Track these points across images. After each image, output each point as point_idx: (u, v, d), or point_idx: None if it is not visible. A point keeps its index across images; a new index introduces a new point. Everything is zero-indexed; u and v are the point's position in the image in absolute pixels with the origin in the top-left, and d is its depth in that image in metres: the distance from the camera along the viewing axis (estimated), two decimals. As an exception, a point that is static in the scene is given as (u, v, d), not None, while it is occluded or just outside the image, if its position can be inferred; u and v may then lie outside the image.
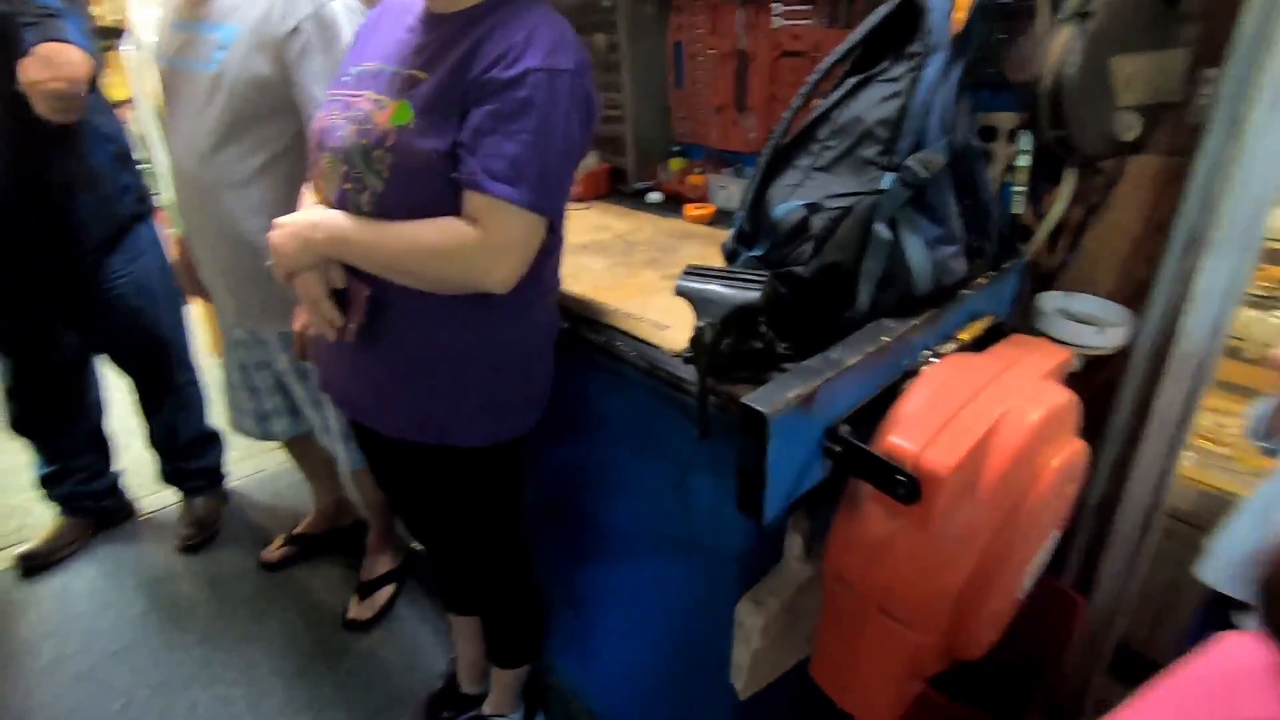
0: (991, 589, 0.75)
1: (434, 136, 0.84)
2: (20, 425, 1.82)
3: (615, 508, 1.18)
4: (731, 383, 0.81)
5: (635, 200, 1.65)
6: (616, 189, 1.72)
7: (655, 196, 1.63)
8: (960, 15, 0.85)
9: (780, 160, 0.93)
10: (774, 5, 1.36)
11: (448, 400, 0.96)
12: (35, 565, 1.91)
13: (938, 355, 0.85)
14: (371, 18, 1.01)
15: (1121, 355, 1.06)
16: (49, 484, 1.92)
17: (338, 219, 0.89)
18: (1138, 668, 1.36)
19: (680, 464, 0.99)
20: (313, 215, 0.91)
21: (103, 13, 2.80)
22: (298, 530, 1.94)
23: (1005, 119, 1.07)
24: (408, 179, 0.86)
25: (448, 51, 0.86)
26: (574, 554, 1.32)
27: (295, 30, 1.13)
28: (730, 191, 1.51)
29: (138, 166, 1.74)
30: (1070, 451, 0.80)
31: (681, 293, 0.79)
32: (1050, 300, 1.08)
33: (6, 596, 1.85)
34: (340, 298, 0.92)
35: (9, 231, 1.53)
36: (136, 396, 1.90)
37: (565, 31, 0.86)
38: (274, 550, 1.91)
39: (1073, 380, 0.96)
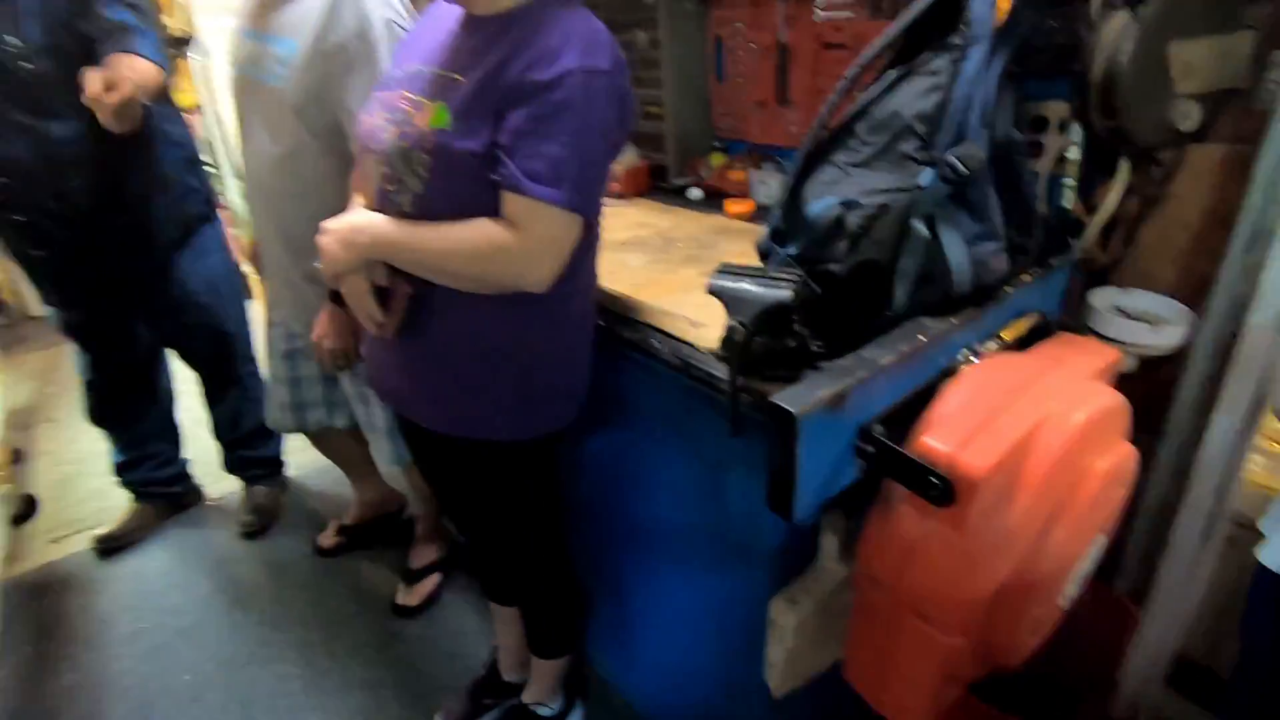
0: (1031, 594, 0.73)
1: (471, 138, 0.85)
2: (97, 415, 1.95)
3: (651, 503, 1.19)
4: (763, 381, 0.81)
5: (676, 197, 1.65)
6: (657, 185, 1.73)
7: (696, 193, 1.63)
8: (1005, 4, 0.82)
9: (817, 157, 0.92)
10: (816, -3, 1.34)
11: (483, 394, 0.99)
12: (112, 546, 2.04)
13: (977, 355, 0.83)
14: (420, 22, 1.04)
15: (1180, 354, 1.01)
16: (124, 471, 2.05)
17: (380, 223, 0.91)
18: (1199, 680, 1.30)
19: (714, 461, 0.99)
20: (356, 219, 0.93)
21: (173, 23, 2.95)
22: (346, 521, 2.01)
23: (1055, 109, 1.03)
24: (446, 180, 0.87)
25: (484, 54, 0.87)
26: (612, 548, 1.34)
27: (340, 46, 1.16)
28: (771, 187, 1.50)
29: (205, 170, 1.83)
30: (1118, 455, 0.78)
31: (713, 291, 0.79)
32: (1103, 297, 1.04)
33: (88, 575, 1.98)
34: (383, 295, 0.96)
35: (90, 233, 1.63)
36: (202, 388, 2.01)
37: (600, 31, 0.87)
38: (328, 537, 1.99)
39: (1127, 381, 0.93)
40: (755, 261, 0.96)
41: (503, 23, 0.88)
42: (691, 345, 0.94)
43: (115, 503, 2.19)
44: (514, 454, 1.06)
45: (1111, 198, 0.98)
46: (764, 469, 0.74)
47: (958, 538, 0.70)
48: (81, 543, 2.08)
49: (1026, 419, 0.71)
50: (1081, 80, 0.90)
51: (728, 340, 0.76)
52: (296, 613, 1.77)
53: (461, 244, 0.87)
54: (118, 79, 1.35)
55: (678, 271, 1.18)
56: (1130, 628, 1.12)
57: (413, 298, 0.94)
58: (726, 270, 0.81)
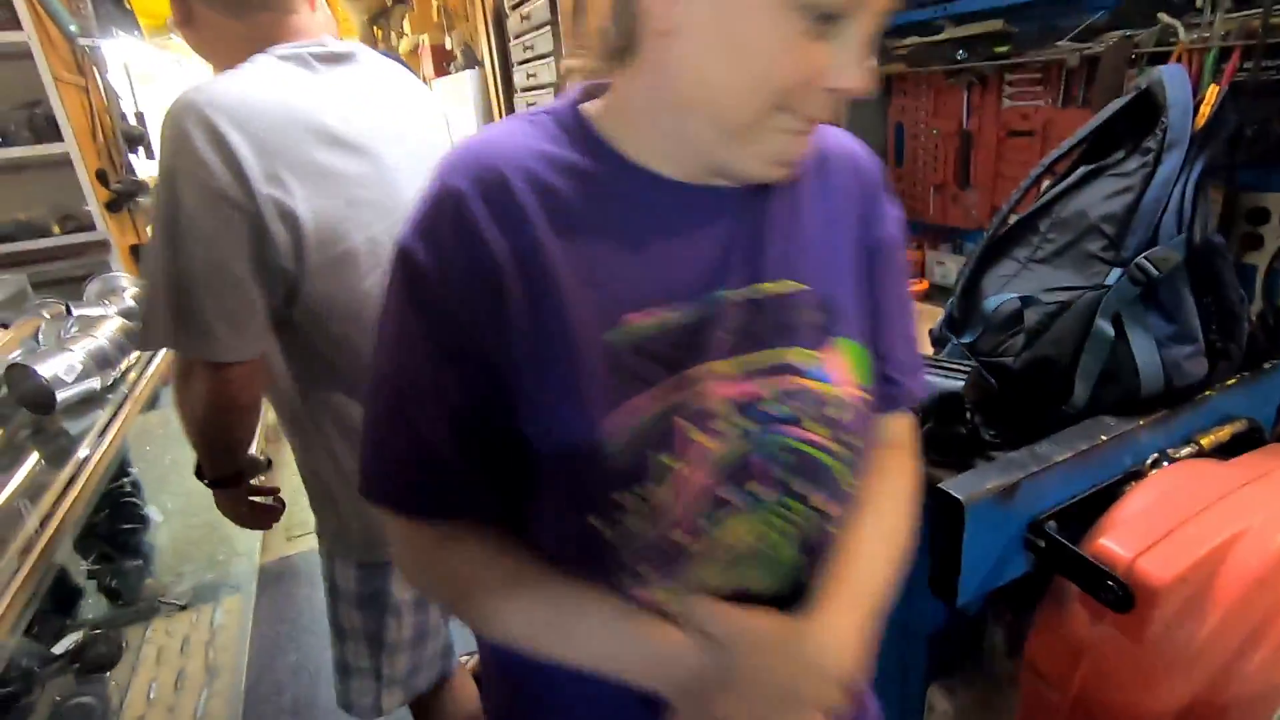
0: (1225, 717, 0.69)
1: (877, 365, 0.57)
2: None
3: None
4: (931, 466, 0.84)
5: (848, 273, 1.70)
6: (830, 261, 1.79)
7: (869, 270, 1.67)
8: (1206, 109, 0.82)
9: (996, 250, 0.96)
10: (1005, 87, 1.36)
11: None
12: None
13: (1169, 459, 0.81)
14: (573, 250, 0.47)
15: None
16: None
17: (844, 608, 0.52)
18: None
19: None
20: (783, 634, 0.49)
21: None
22: None
23: (1278, 200, 0.97)
24: (865, 451, 0.56)
25: (799, 219, 0.53)
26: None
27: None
28: (947, 267, 1.51)
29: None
30: (1341, 583, 0.71)
31: (885, 377, 0.84)
32: (1335, 405, 0.94)
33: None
34: None
35: None
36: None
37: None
38: None
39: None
40: (927, 347, 1.00)
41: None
42: (859, 423, 0.99)
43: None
44: None
45: (1344, 298, 0.90)
46: (926, 550, 0.77)
47: (1134, 647, 0.68)
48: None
49: (1220, 531, 0.68)
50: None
51: (897, 424, 0.81)
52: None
53: (909, 525, 0.59)
54: None
55: (848, 349, 1.23)
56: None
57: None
58: (899, 358, 0.86)
